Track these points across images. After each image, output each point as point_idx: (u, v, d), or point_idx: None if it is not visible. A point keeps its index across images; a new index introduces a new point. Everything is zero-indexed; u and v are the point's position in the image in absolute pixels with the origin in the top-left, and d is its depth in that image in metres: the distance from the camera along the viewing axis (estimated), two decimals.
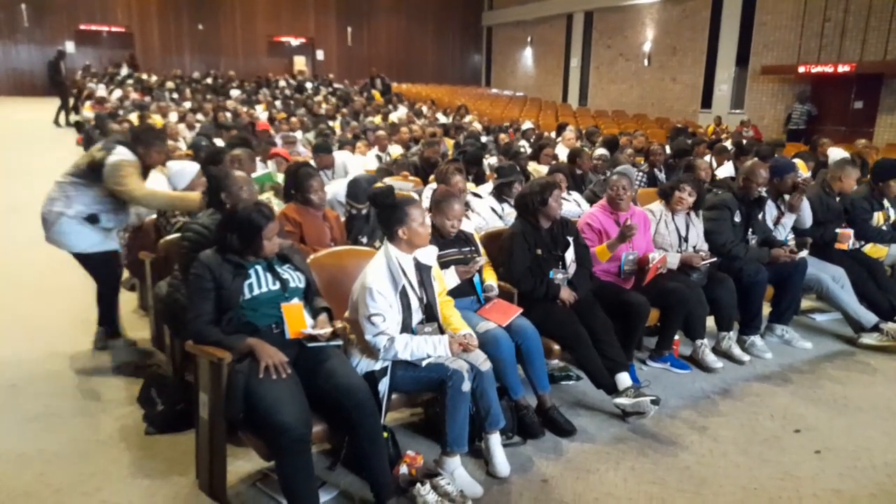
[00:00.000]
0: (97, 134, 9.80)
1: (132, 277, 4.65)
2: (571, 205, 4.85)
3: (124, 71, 19.38)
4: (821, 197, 4.73)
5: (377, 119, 12.54)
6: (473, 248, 3.39)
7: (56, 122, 15.65)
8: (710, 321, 4.10)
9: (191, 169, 4.04)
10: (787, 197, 4.53)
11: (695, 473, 2.89)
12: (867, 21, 13.76)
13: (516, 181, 4.62)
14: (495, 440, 2.83)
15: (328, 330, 2.57)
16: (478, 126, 12.47)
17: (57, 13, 21.54)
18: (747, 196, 4.32)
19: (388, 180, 5.28)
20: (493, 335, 3.00)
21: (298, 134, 9.38)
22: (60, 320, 4.44)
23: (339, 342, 2.63)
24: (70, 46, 21.29)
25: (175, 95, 15.76)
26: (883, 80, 13.86)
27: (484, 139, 9.60)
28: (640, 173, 6.31)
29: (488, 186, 4.96)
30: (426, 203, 4.01)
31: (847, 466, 2.98)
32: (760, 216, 4.43)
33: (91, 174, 3.64)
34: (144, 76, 18.67)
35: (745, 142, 8.43)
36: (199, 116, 11.48)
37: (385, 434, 2.65)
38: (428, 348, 2.64)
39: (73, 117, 15.41)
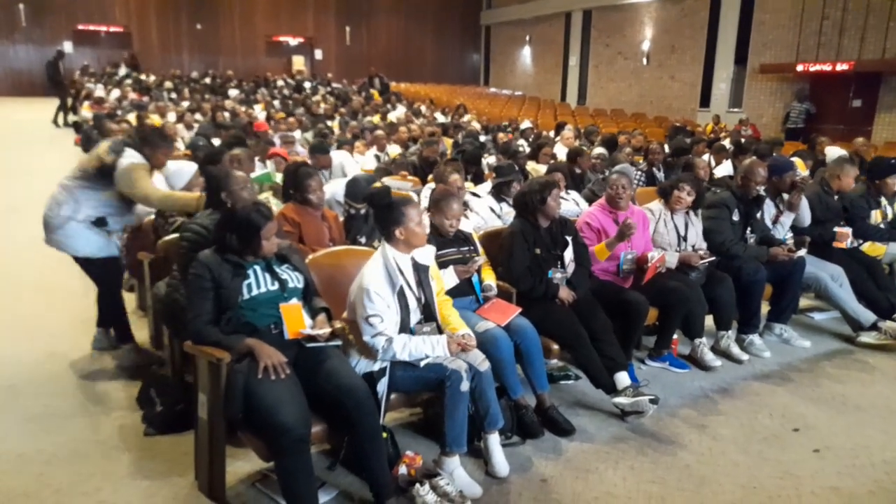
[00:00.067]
0: (95, 134, 9.79)
1: (131, 278, 4.64)
2: (570, 204, 4.84)
3: (122, 71, 19.37)
4: (819, 195, 4.73)
5: (376, 118, 12.54)
6: (472, 248, 3.39)
7: (55, 122, 15.64)
8: (709, 320, 4.10)
9: (188, 169, 4.04)
10: (785, 196, 4.53)
11: (694, 472, 2.89)
12: (865, 19, 13.76)
13: (515, 180, 4.62)
14: (494, 440, 2.83)
15: (327, 330, 2.57)
16: (476, 125, 12.47)
17: (55, 13, 21.50)
18: (746, 195, 4.32)
19: (386, 180, 5.27)
20: (492, 335, 3.00)
21: (297, 133, 9.37)
22: (60, 320, 4.44)
23: (338, 342, 2.64)
24: (68, 46, 21.25)
25: (173, 95, 15.76)
26: (881, 79, 13.86)
27: (482, 138, 9.60)
28: (639, 172, 6.32)
29: (487, 186, 4.97)
30: (425, 203, 4.01)
31: (846, 465, 2.98)
32: (759, 215, 4.43)
33: (100, 178, 3.62)
34: (143, 76, 18.65)
35: (743, 140, 8.44)
36: (198, 116, 11.46)
37: (384, 434, 2.65)
38: (426, 348, 2.64)
39: (72, 117, 15.40)
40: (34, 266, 5.32)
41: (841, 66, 14.08)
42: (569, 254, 3.55)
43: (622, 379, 3.27)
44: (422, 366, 2.64)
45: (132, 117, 10.27)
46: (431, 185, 4.83)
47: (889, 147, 11.62)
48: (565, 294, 3.42)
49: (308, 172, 3.74)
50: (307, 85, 19.29)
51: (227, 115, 11.44)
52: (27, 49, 21.38)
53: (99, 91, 15.34)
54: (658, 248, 4.01)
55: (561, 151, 7.58)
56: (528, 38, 24.82)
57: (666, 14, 18.90)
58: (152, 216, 4.09)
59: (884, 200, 4.98)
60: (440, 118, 14.24)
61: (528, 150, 7.29)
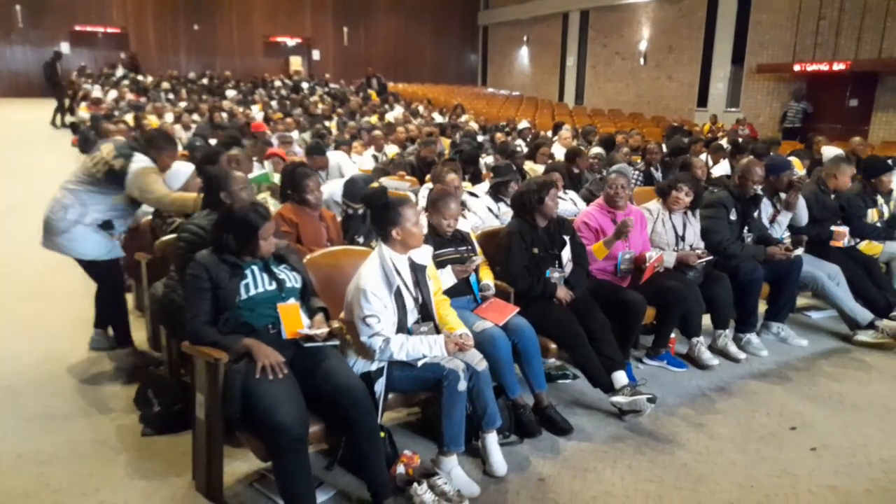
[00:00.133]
0: (93, 135, 9.78)
1: (128, 278, 4.64)
2: (568, 203, 4.85)
3: (120, 72, 19.34)
4: (816, 194, 4.75)
5: (373, 119, 12.53)
6: (470, 248, 3.39)
7: (53, 123, 15.62)
8: (707, 319, 4.11)
9: (185, 170, 4.02)
10: (782, 195, 4.54)
11: (692, 471, 2.90)
12: (862, 19, 13.79)
13: (512, 180, 4.63)
14: (492, 439, 2.83)
15: (325, 330, 2.57)
16: (474, 125, 12.48)
17: (52, 14, 21.45)
18: (743, 194, 4.33)
19: (384, 180, 5.29)
20: (490, 334, 3.01)
21: (294, 134, 9.37)
22: (60, 321, 4.43)
23: (336, 342, 2.64)
24: (65, 47, 21.22)
25: (171, 96, 15.74)
26: (878, 78, 13.90)
27: (480, 138, 9.61)
28: (637, 172, 6.32)
29: (485, 186, 4.97)
30: (423, 202, 4.01)
31: (843, 463, 2.99)
32: (756, 214, 4.44)
33: (109, 182, 3.62)
34: (140, 77, 18.63)
35: (740, 140, 8.47)
36: (195, 117, 11.46)
37: (382, 434, 2.65)
38: (424, 348, 2.64)
39: (69, 118, 15.38)
40: (34, 266, 5.32)
41: (838, 66, 14.11)
42: (566, 253, 3.55)
43: (620, 378, 3.28)
44: (419, 365, 2.64)
45: (129, 118, 10.25)
46: (429, 185, 4.83)
47: (886, 146, 11.65)
48: (563, 293, 3.43)
49: (306, 173, 3.74)
50: (305, 85, 19.28)
51: (224, 115, 11.44)
52: (24, 50, 21.34)
53: (96, 92, 15.32)
54: (656, 248, 4.02)
55: (558, 151, 7.59)
56: (525, 38, 24.83)
57: (663, 14, 18.93)
58: (149, 217, 4.09)
59: (880, 199, 5.00)
60: (438, 118, 14.25)
61: (525, 150, 7.29)
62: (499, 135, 10.35)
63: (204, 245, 2.68)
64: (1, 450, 2.94)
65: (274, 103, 15.07)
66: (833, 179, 4.79)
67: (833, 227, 4.65)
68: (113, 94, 15.26)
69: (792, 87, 15.37)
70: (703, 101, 17.91)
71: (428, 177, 5.31)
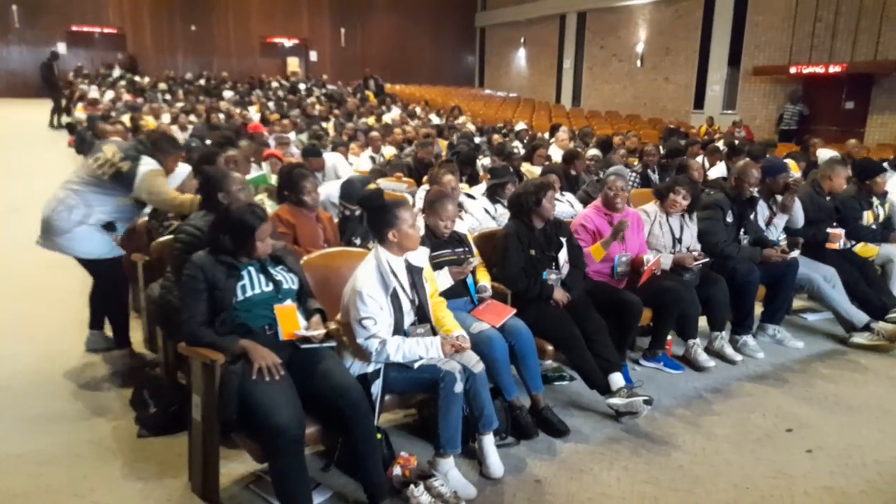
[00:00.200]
0: (89, 135, 9.76)
1: None
2: (565, 205, 4.86)
3: (116, 72, 19.30)
4: (812, 196, 4.76)
5: (371, 120, 12.53)
6: (467, 249, 3.40)
7: (51, 124, 15.59)
8: (703, 321, 4.11)
9: (182, 171, 4.03)
10: (778, 197, 4.55)
11: (688, 472, 2.90)
12: (858, 22, 13.84)
13: (509, 182, 4.63)
14: (489, 441, 2.83)
15: (321, 331, 2.57)
16: (471, 127, 12.48)
17: (49, 14, 21.40)
18: (739, 196, 4.34)
19: (381, 181, 5.28)
20: (487, 336, 3.01)
21: (292, 135, 9.36)
22: (59, 321, 4.42)
23: (333, 343, 2.63)
24: (62, 48, 21.14)
25: (167, 97, 15.71)
26: (874, 81, 13.95)
27: (477, 140, 9.61)
28: (634, 174, 6.33)
29: (481, 187, 4.97)
30: (419, 204, 4.01)
31: (838, 464, 3.00)
32: (753, 216, 4.45)
33: (116, 183, 3.62)
34: (137, 78, 18.60)
35: (737, 142, 8.49)
36: (192, 118, 11.44)
37: (379, 435, 2.65)
38: (420, 350, 2.64)
39: (65, 119, 15.34)
40: (33, 266, 5.30)
41: (834, 68, 14.16)
42: (563, 255, 3.56)
43: (616, 380, 3.28)
44: (416, 367, 2.64)
45: (126, 119, 10.23)
46: (426, 186, 4.83)
47: (881, 148, 11.69)
48: (560, 295, 3.43)
49: (303, 174, 3.74)
50: (302, 86, 19.26)
51: (221, 116, 11.42)
52: (20, 50, 21.27)
53: (93, 92, 15.29)
54: (653, 250, 4.03)
55: (556, 153, 7.59)
56: (522, 39, 24.87)
57: (660, 16, 18.97)
58: (146, 217, 4.08)
59: (875, 201, 5.01)
60: (435, 120, 14.25)
61: (522, 151, 7.29)
62: (496, 136, 10.36)
63: (200, 246, 2.68)
64: None
65: (271, 104, 15.06)
66: (828, 181, 4.80)
67: (829, 230, 4.67)
68: (109, 94, 15.24)
69: (788, 90, 15.42)
70: (699, 103, 17.95)
71: (425, 178, 5.30)
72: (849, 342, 4.41)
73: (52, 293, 4.92)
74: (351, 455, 2.53)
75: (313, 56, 25.67)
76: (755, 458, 3.03)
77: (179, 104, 13.93)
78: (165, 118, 11.32)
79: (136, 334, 4.00)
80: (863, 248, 4.84)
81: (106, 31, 22.64)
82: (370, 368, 2.63)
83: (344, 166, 6.67)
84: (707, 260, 4.04)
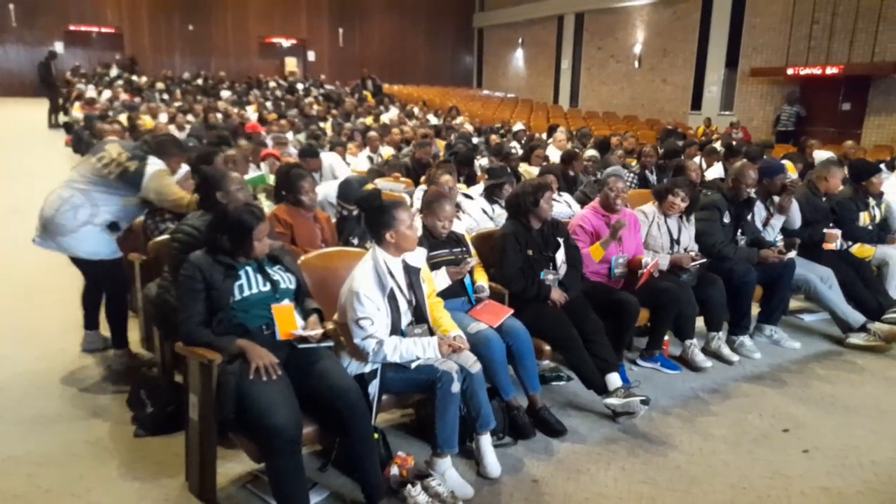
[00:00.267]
0: (87, 135, 9.75)
1: None
2: (562, 206, 4.86)
3: (114, 72, 19.27)
4: (808, 197, 4.77)
5: (368, 120, 12.53)
6: (464, 249, 3.40)
7: (50, 124, 15.56)
8: (700, 322, 4.12)
9: (179, 170, 4.02)
10: (776, 198, 4.56)
11: (685, 472, 2.91)
12: (854, 23, 13.87)
13: (507, 182, 4.63)
14: (486, 441, 2.83)
15: (319, 331, 2.57)
16: (469, 127, 12.48)
17: (46, 13, 21.37)
18: (737, 197, 4.35)
19: (379, 181, 5.28)
20: (485, 336, 3.01)
21: (289, 135, 9.35)
22: (58, 322, 4.40)
23: (330, 343, 2.64)
24: (59, 47, 21.10)
25: (165, 96, 15.69)
26: (870, 82, 13.97)
27: (475, 140, 9.61)
28: (632, 174, 6.34)
29: (479, 188, 4.98)
30: (417, 204, 4.01)
31: (835, 465, 3.00)
32: (750, 217, 4.46)
33: (123, 183, 3.62)
34: (134, 77, 18.57)
35: (734, 143, 8.48)
36: (190, 117, 11.42)
37: (376, 435, 2.65)
38: (417, 350, 2.64)
39: (62, 118, 15.32)
40: (33, 267, 5.30)
41: (831, 70, 14.18)
42: (560, 255, 3.56)
43: (613, 380, 3.29)
44: (413, 368, 2.64)
45: (123, 118, 10.22)
46: (424, 186, 4.83)
47: (878, 150, 11.73)
48: (557, 295, 3.44)
49: (300, 174, 3.73)
50: (300, 86, 19.26)
51: (219, 116, 11.40)
52: (17, 49, 21.24)
53: (90, 92, 15.26)
54: (650, 252, 4.03)
55: (553, 154, 7.60)
56: (520, 40, 24.88)
57: (658, 17, 18.99)
58: (142, 217, 4.07)
59: (872, 202, 5.03)
60: (433, 120, 14.25)
61: (520, 152, 7.29)
62: (494, 137, 10.36)
63: (198, 246, 2.68)
64: None
65: (269, 104, 15.05)
66: (824, 182, 4.81)
67: (825, 230, 4.68)
68: (107, 94, 15.22)
69: (785, 91, 15.44)
70: (696, 104, 17.96)
71: (423, 178, 5.30)
72: (845, 343, 4.42)
73: (51, 294, 4.91)
74: (348, 455, 2.53)
75: (311, 56, 25.67)
76: (752, 458, 3.04)
77: (177, 104, 13.91)
78: (163, 118, 11.30)
79: (133, 334, 3.99)
80: (859, 249, 4.85)
81: (104, 30, 22.63)
82: (367, 368, 2.63)
83: (341, 166, 6.66)
84: (704, 260, 4.04)
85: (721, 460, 3.01)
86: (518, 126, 12.27)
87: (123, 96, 14.91)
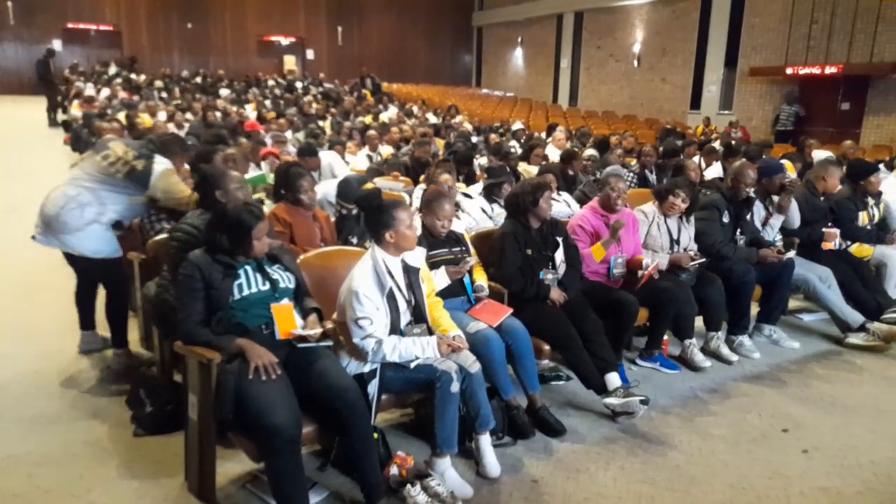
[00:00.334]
0: (85, 133, 9.73)
1: None
2: (561, 205, 4.86)
3: (112, 70, 19.24)
4: (806, 197, 4.77)
5: (368, 119, 12.52)
6: (464, 249, 3.39)
7: (50, 122, 15.54)
8: (699, 321, 4.12)
9: None
10: (775, 198, 4.56)
11: (684, 472, 2.91)
12: (853, 23, 13.89)
13: (506, 182, 4.62)
14: (485, 441, 2.83)
15: (318, 330, 2.57)
16: (468, 126, 12.48)
17: (44, 11, 21.33)
18: (736, 196, 4.35)
19: (378, 180, 5.27)
20: (484, 335, 3.01)
21: (288, 134, 9.34)
22: (57, 321, 4.39)
23: (330, 343, 2.63)
24: (57, 45, 21.08)
25: (164, 94, 15.67)
26: (869, 82, 14.00)
27: (474, 139, 9.60)
28: (631, 174, 6.34)
29: (478, 187, 4.97)
30: (416, 203, 4.01)
31: (834, 465, 3.01)
32: (749, 217, 4.46)
33: (131, 182, 3.61)
34: (133, 75, 18.55)
35: (733, 143, 8.48)
36: (188, 116, 11.41)
37: (375, 435, 2.65)
38: (416, 350, 2.64)
39: (61, 116, 15.29)
40: (32, 265, 5.28)
41: (830, 70, 14.20)
42: (560, 255, 3.56)
43: (613, 380, 3.29)
44: (412, 367, 2.64)
45: (122, 116, 10.20)
46: (423, 185, 4.83)
47: (877, 150, 11.74)
48: (556, 295, 3.44)
49: (299, 172, 3.73)
50: (299, 85, 19.23)
51: (218, 114, 11.39)
52: (15, 47, 21.21)
53: (89, 90, 15.23)
54: (649, 252, 4.03)
55: (553, 153, 7.59)
56: (519, 39, 24.88)
57: (657, 17, 19.00)
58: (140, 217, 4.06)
59: (870, 201, 5.03)
60: (432, 119, 14.25)
61: (519, 151, 7.29)
62: (493, 136, 10.36)
63: (197, 245, 2.67)
64: None
65: (268, 102, 15.03)
66: (822, 182, 4.81)
67: (824, 230, 4.68)
68: (105, 92, 15.19)
69: (784, 91, 15.46)
70: (696, 103, 17.98)
71: (422, 177, 5.30)
72: (844, 343, 4.43)
73: (50, 292, 4.89)
74: (347, 455, 2.53)
75: (310, 54, 25.65)
76: (751, 458, 3.04)
77: (176, 102, 13.89)
78: (161, 116, 11.28)
79: (132, 333, 3.98)
80: (858, 249, 4.85)
81: (102, 28, 22.60)
82: (367, 368, 2.63)
83: (340, 165, 6.66)
84: (703, 260, 4.04)
85: (720, 460, 3.01)
86: (517, 125, 12.26)
87: (122, 94, 14.88)
